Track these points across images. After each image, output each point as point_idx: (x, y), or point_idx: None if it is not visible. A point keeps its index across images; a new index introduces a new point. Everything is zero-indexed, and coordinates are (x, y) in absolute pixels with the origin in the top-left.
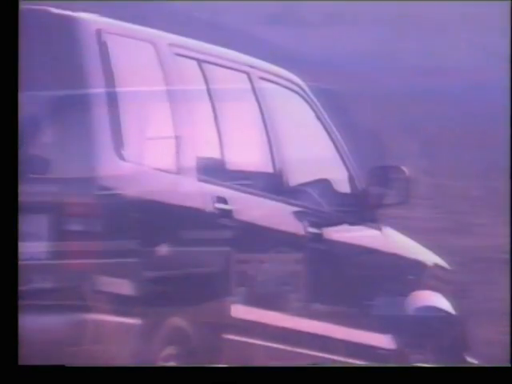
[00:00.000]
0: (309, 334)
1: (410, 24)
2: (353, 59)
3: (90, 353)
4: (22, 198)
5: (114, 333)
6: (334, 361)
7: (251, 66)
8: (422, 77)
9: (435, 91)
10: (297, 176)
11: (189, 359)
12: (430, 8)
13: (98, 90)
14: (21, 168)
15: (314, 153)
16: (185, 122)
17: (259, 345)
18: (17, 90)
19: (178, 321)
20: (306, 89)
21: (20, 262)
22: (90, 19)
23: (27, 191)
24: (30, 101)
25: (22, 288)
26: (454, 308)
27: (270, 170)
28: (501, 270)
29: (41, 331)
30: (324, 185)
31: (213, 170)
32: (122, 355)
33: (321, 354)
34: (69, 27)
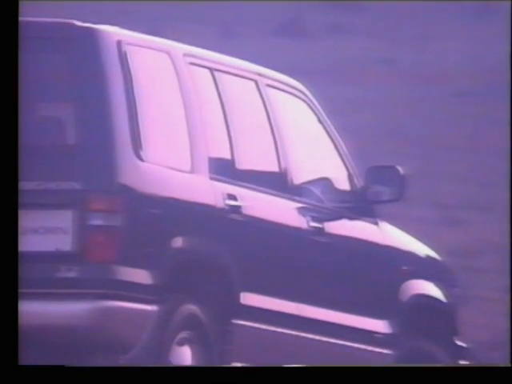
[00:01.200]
0: (311, 319)
1: (406, 34)
2: (352, 67)
3: (112, 337)
4: (50, 195)
5: (134, 318)
6: (333, 344)
7: (259, 74)
8: (420, 82)
9: (430, 96)
10: (300, 175)
11: (201, 343)
12: (426, 18)
13: (119, 96)
14: (51, 166)
15: (316, 153)
16: (198, 126)
17: (265, 329)
18: (17, 93)
19: (191, 307)
20: (309, 94)
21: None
22: (112, 31)
23: (55, 188)
24: (56, 106)
25: (48, 276)
26: (445, 296)
27: (275, 169)
28: (488, 262)
29: (66, 317)
30: (325, 183)
31: (223, 170)
32: (140, 339)
33: (323, 338)
34: (92, 38)
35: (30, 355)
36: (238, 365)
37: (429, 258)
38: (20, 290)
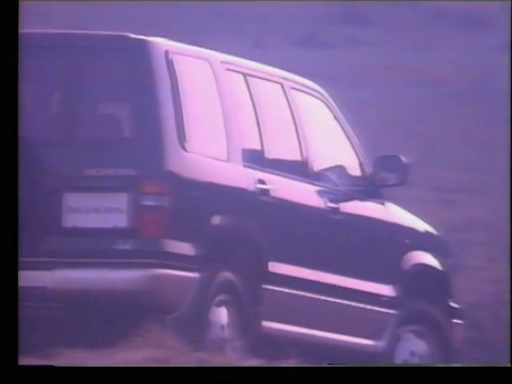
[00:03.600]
0: (328, 284)
1: (409, 44)
2: (363, 72)
3: (160, 299)
4: (109, 180)
5: (179, 284)
6: (346, 305)
7: (284, 78)
8: (421, 85)
9: (430, 96)
10: (319, 163)
11: (236, 304)
12: (427, 30)
13: (166, 97)
14: (109, 156)
15: (333, 145)
16: (233, 122)
17: (289, 292)
18: (17, 93)
19: (227, 274)
20: (327, 95)
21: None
22: (160, 42)
23: (113, 174)
24: (114, 106)
25: (107, 248)
26: (441, 265)
27: (298, 158)
28: (477, 236)
29: (122, 283)
30: (340, 169)
31: (255, 159)
32: (184, 301)
33: (337, 300)
34: (144, 48)
35: (91, 316)
36: (267, 323)
37: (427, 232)
38: (84, 260)
